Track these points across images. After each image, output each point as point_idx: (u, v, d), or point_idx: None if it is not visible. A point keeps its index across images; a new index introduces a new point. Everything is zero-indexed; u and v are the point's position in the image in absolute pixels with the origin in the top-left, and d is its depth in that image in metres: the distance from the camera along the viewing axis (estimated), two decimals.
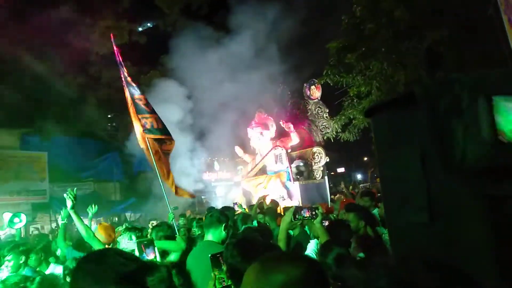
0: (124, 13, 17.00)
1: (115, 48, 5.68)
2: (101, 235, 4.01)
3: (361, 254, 2.81)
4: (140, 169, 16.18)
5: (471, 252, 1.16)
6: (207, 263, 1.99)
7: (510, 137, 1.00)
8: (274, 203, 7.77)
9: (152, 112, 5.26)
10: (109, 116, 18.86)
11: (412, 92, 1.40)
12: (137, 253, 2.81)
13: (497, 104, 1.05)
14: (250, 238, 1.91)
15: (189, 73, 12.64)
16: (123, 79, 5.38)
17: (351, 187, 15.46)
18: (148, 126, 5.17)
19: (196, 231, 5.57)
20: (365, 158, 28.69)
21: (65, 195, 4.06)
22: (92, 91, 16.15)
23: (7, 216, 4.95)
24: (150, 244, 2.87)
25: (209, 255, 2.04)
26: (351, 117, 10.33)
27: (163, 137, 5.33)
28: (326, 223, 3.18)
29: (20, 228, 4.96)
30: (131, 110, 5.28)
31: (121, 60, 5.56)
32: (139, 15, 18.23)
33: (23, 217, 4.76)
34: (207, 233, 2.90)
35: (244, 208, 7.55)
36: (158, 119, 5.28)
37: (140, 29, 19.48)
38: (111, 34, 6.00)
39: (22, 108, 13.83)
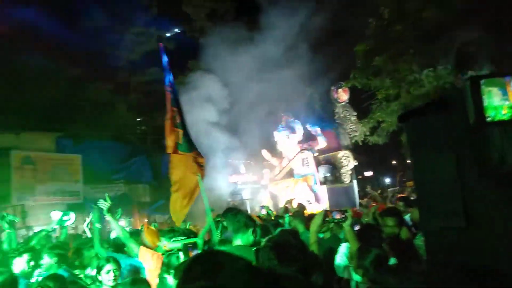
0: (153, 19, 17.51)
1: (164, 56, 5.80)
2: (147, 239, 4.11)
3: (393, 259, 2.79)
4: (168, 172, 16.54)
5: (507, 257, 1.17)
6: None
7: None
8: (301, 207, 7.78)
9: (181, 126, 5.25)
10: (137, 120, 19.41)
11: (447, 96, 1.42)
12: (181, 255, 2.92)
13: None
14: (286, 241, 1.96)
15: (216, 77, 12.84)
16: (168, 86, 5.44)
17: (379, 191, 15.20)
18: (180, 140, 5.16)
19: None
20: (394, 162, 28.08)
21: (100, 202, 4.28)
22: (122, 96, 16.67)
23: (56, 214, 5.17)
24: (195, 247, 2.95)
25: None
26: (380, 120, 10.20)
27: (191, 154, 5.21)
28: (358, 227, 3.18)
29: (67, 227, 5.17)
30: (169, 118, 5.27)
31: (169, 67, 5.68)
32: (167, 21, 18.69)
33: (72, 215, 5.00)
34: (236, 238, 2.93)
35: (272, 211, 7.60)
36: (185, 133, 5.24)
37: (168, 35, 19.93)
38: (160, 44, 6.15)
39: (57, 113, 14.45)
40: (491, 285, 0.88)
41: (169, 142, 5.16)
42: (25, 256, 4.16)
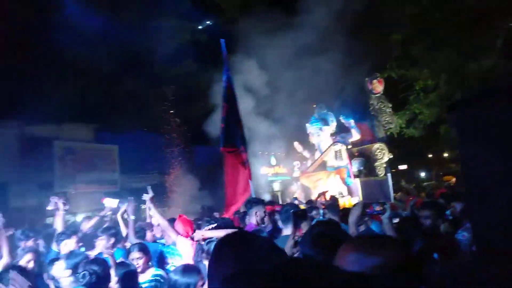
0: (185, 12, 17.69)
1: (224, 51, 6.14)
2: (180, 228, 4.24)
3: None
4: (200, 163, 16.87)
5: None
6: None
7: None
8: (334, 199, 7.72)
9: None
10: (171, 112, 19.84)
11: (503, 86, 1.36)
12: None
13: None
14: (326, 231, 1.96)
15: (249, 68, 12.85)
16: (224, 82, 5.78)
17: (413, 185, 14.81)
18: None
19: None
20: (430, 155, 27.14)
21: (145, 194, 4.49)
22: (157, 88, 17.06)
23: (109, 201, 5.39)
24: None
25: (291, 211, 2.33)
26: (417, 112, 9.88)
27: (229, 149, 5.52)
28: (396, 220, 3.13)
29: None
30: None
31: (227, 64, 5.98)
32: (199, 13, 18.84)
33: (115, 200, 5.18)
34: (286, 228, 3.08)
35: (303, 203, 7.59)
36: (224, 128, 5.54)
37: (200, 27, 20.11)
38: (223, 40, 6.51)
39: (96, 105, 15.02)
40: None
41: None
42: (74, 237, 4.41)
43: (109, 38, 15.31)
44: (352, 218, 2.66)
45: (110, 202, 5.20)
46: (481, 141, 1.32)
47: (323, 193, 7.82)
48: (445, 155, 24.90)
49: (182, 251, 3.90)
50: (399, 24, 9.37)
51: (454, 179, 18.90)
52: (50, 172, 13.85)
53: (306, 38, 11.71)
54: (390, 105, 10.66)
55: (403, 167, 24.23)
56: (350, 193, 10.02)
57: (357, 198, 9.75)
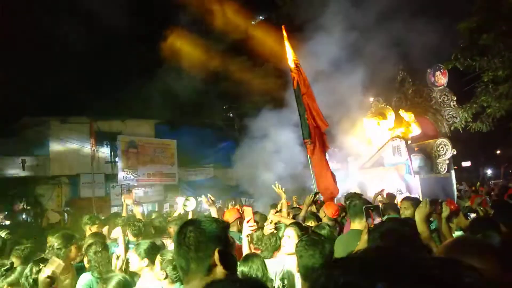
0: (240, 7, 17.90)
1: (287, 42, 6.42)
2: (226, 217, 4.39)
3: None
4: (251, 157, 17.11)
5: None
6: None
7: None
8: (391, 197, 7.47)
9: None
10: (224, 107, 20.29)
11: None
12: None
13: None
14: (394, 228, 1.94)
15: (302, 60, 12.72)
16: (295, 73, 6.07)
17: (478, 183, 13.84)
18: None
19: None
20: (498, 151, 25.14)
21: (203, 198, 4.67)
22: (212, 85, 17.53)
23: (180, 200, 5.64)
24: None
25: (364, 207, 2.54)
26: (485, 105, 9.18)
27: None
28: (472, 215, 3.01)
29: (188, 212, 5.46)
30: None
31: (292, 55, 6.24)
32: (253, 8, 18.96)
33: (193, 200, 5.33)
34: (353, 222, 3.11)
35: None
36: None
37: (253, 22, 20.26)
38: (283, 26, 6.81)
39: (156, 102, 15.79)
40: None
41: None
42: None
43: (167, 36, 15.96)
44: (420, 215, 2.57)
45: (179, 201, 5.42)
46: None
47: (381, 192, 7.59)
48: None
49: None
50: (464, 12, 8.76)
51: None
52: (115, 164, 14.84)
53: (365, 27, 11.24)
54: (455, 98, 10.01)
55: (466, 164, 22.74)
56: (409, 190, 9.59)
57: (416, 195, 9.32)
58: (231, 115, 18.63)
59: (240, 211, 4.86)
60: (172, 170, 16.00)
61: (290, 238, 2.99)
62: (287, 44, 6.29)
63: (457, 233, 3.49)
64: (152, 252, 3.02)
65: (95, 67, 14.30)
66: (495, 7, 7.93)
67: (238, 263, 2.93)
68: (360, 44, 11.16)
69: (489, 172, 26.53)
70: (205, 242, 1.38)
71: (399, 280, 0.52)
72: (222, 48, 16.18)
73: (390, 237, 1.83)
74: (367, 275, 0.54)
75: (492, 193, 9.79)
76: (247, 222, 3.32)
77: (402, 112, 10.02)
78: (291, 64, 6.15)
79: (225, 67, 15.85)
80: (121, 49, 14.77)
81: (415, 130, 9.99)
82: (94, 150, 14.48)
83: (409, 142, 10.09)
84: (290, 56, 6.24)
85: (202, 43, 16.51)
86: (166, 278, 2.64)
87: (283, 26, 6.47)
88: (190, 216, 5.63)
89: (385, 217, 3.29)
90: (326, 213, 4.83)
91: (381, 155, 10.35)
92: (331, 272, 0.58)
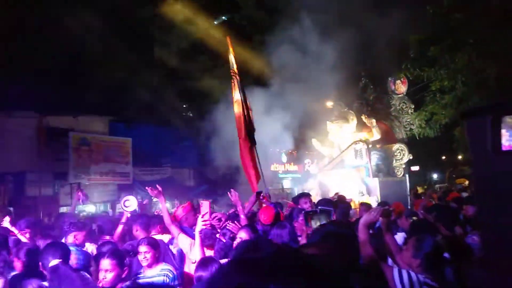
0: (201, 7, 17.73)
1: (231, 49, 6.50)
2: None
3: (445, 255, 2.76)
4: (212, 158, 16.97)
5: None
6: None
7: None
8: (341, 198, 7.69)
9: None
10: (184, 106, 19.99)
11: None
12: None
13: None
14: (334, 231, 1.99)
15: (263, 64, 12.81)
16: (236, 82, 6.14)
17: (425, 186, 14.69)
18: None
19: None
20: (443, 157, 26.79)
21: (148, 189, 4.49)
22: (171, 83, 17.20)
23: (130, 202, 5.34)
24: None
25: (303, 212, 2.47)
26: (432, 113, 9.78)
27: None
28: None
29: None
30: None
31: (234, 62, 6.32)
32: (215, 8, 18.85)
33: (133, 200, 5.05)
34: None
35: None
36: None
37: (215, 22, 20.15)
38: (228, 37, 6.85)
39: (111, 98, 15.23)
40: None
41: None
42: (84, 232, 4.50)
43: (125, 31, 15.49)
44: (363, 221, 2.62)
45: (131, 204, 5.08)
46: (487, 150, 1.33)
47: (335, 195, 7.84)
48: (459, 157, 24.54)
49: (183, 247, 3.87)
50: (417, 25, 9.24)
51: (467, 182, 18.64)
52: (65, 162, 14.13)
53: (325, 36, 11.55)
54: (413, 106, 10.59)
55: (415, 168, 23.98)
56: (369, 192, 10.02)
57: (375, 197, 9.74)
58: (191, 114, 18.40)
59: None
60: (126, 169, 15.49)
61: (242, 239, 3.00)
62: (231, 55, 6.47)
63: (399, 234, 3.66)
64: None
65: (46, 58, 13.53)
66: (444, 22, 8.44)
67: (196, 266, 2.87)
68: (322, 48, 11.43)
69: (435, 176, 28.15)
70: None
71: (289, 282, 0.54)
72: (183, 46, 15.94)
73: (330, 240, 1.88)
74: (259, 277, 0.55)
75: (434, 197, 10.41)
76: (202, 216, 3.28)
77: (364, 118, 10.42)
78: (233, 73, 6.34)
79: (185, 66, 15.63)
80: (74, 40, 14.08)
81: (376, 135, 10.43)
82: (42, 146, 13.71)
83: (370, 146, 10.52)
84: (233, 66, 6.44)
85: (162, 40, 16.18)
86: None
87: (227, 37, 6.63)
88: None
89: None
90: (260, 218, 4.64)
91: (343, 158, 10.68)
92: (229, 273, 0.59)
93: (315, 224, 2.89)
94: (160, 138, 16.40)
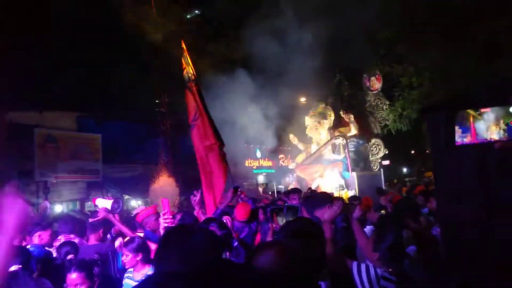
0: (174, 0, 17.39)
1: (184, 48, 6.19)
2: None
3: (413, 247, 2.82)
4: (183, 154, 16.77)
5: None
6: None
7: None
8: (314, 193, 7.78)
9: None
10: (157, 101, 19.61)
11: (477, 93, 1.39)
12: None
13: None
14: (301, 228, 2.00)
15: (237, 59, 12.74)
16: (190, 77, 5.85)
17: (395, 180, 15.10)
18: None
19: None
20: (412, 151, 27.66)
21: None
22: (142, 78, 16.82)
23: (101, 202, 5.10)
24: None
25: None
26: (401, 108, 10.08)
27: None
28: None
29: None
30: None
31: (190, 60, 6.03)
32: (188, 2, 18.55)
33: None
34: None
35: None
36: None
37: (188, 16, 19.84)
38: (182, 40, 6.52)
39: (79, 93, 14.72)
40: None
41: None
42: (49, 230, 4.34)
43: (94, 25, 14.99)
44: (326, 216, 2.65)
45: (103, 203, 4.86)
46: (447, 145, 1.35)
47: (308, 190, 7.93)
48: (428, 151, 25.40)
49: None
50: (386, 23, 9.43)
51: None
52: (30, 160, 13.56)
53: (300, 32, 11.58)
54: (387, 102, 10.84)
55: (385, 162, 24.67)
56: (347, 186, 10.23)
57: (353, 191, 9.95)
58: (163, 110, 18.06)
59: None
60: (96, 167, 15.05)
61: None
62: (187, 58, 6.15)
63: (368, 228, 3.74)
64: None
65: (7, 51, 12.89)
66: (410, 20, 8.66)
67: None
68: (297, 47, 11.48)
69: (404, 170, 29.00)
70: None
71: None
72: (154, 40, 15.59)
73: (297, 236, 1.87)
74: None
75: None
76: (163, 215, 3.21)
77: (342, 113, 10.59)
78: (188, 76, 6.02)
79: (157, 60, 15.32)
80: (39, 32, 13.49)
81: (353, 130, 10.64)
82: (5, 144, 13.09)
83: (348, 141, 10.73)
84: (189, 69, 6.12)
85: (133, 33, 15.76)
86: None
87: (182, 40, 6.38)
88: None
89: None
90: (236, 215, 4.68)
91: (322, 153, 10.83)
92: (162, 281, 0.57)
93: (282, 221, 2.89)
94: (132, 134, 16.01)
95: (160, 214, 3.05)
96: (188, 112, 6.03)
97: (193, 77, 6.02)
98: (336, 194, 9.15)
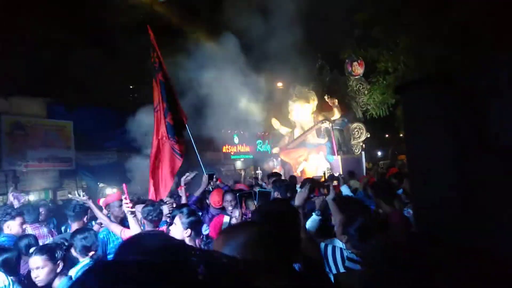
0: None
1: (152, 36, 6.02)
2: None
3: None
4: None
5: (505, 228, 1.16)
6: None
7: None
8: (292, 178, 7.83)
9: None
10: (131, 87, 19.09)
11: (449, 71, 1.36)
12: None
13: None
14: (273, 210, 1.97)
15: (216, 43, 12.48)
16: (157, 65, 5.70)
17: (369, 163, 15.39)
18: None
19: None
20: (387, 135, 28.27)
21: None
22: (114, 63, 16.30)
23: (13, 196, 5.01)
24: None
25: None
26: (377, 92, 10.19)
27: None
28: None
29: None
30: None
31: (157, 48, 5.87)
32: None
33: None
34: None
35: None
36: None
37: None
38: (148, 26, 6.27)
39: (48, 78, 14.13)
40: (487, 268, 0.87)
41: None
42: (18, 219, 4.20)
43: (63, 8, 14.32)
44: (297, 198, 2.78)
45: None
46: (421, 122, 1.32)
47: (291, 176, 8.00)
48: (401, 135, 25.99)
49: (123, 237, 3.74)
50: (362, 4, 9.41)
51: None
52: None
53: (281, 16, 11.41)
54: (369, 87, 10.95)
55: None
56: (332, 169, 10.38)
57: (337, 174, 10.10)
58: (136, 95, 17.65)
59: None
60: (68, 154, 14.60)
61: (176, 224, 2.91)
62: (154, 45, 5.96)
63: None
64: None
65: None
66: (386, 4, 8.66)
67: None
68: (277, 31, 11.33)
69: (379, 153, 29.64)
70: None
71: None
72: (125, 22, 15.08)
73: (270, 218, 1.84)
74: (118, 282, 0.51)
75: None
76: (125, 199, 3.27)
77: (326, 98, 10.64)
78: (153, 65, 5.89)
79: (129, 44, 14.83)
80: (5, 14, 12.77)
81: (337, 114, 10.73)
82: None
83: (331, 125, 10.82)
84: (155, 57, 5.96)
85: (104, 16, 15.17)
86: None
87: (148, 26, 6.19)
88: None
89: None
90: (211, 202, 4.67)
91: (307, 137, 10.90)
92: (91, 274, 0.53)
93: (251, 206, 2.91)
94: (105, 120, 15.55)
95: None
96: (153, 98, 6.03)
97: (157, 65, 5.87)
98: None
